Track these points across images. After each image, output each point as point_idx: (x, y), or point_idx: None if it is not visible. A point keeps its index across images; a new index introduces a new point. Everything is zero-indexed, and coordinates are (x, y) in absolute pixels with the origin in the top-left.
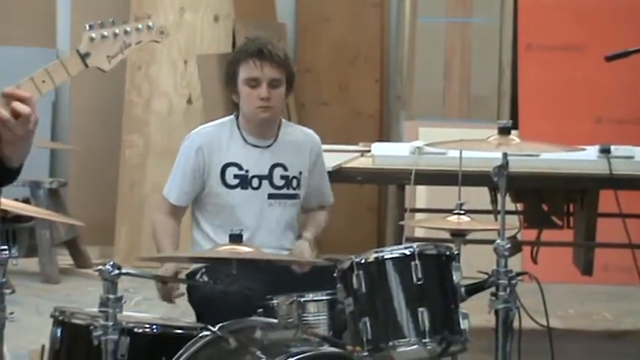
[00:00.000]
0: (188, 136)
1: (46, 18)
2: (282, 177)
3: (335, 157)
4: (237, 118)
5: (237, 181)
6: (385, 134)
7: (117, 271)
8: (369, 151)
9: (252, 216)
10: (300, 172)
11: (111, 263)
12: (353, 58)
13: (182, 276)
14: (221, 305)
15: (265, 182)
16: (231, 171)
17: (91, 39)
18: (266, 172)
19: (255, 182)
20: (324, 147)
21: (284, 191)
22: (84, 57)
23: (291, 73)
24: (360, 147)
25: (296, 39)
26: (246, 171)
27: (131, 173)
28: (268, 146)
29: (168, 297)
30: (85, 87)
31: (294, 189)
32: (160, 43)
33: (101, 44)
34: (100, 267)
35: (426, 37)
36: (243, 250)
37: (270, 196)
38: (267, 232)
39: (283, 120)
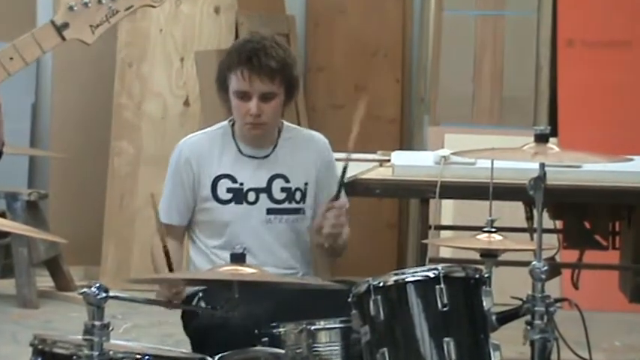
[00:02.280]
0: (176, 146)
1: (27, 12)
2: (282, 189)
3: (350, 166)
4: (232, 124)
5: (230, 195)
6: (407, 141)
7: (104, 295)
8: (389, 160)
9: (249, 234)
10: (306, 184)
11: (97, 285)
12: (371, 55)
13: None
14: (221, 333)
15: (263, 196)
16: (224, 184)
17: (70, 8)
18: (264, 185)
19: (251, 196)
20: (338, 155)
21: (285, 205)
22: (60, 29)
23: (291, 79)
24: (378, 156)
25: (306, 33)
26: (241, 184)
27: (120, 184)
28: (265, 157)
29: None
30: (68, 87)
31: (297, 202)
32: (156, 7)
33: (82, 13)
34: (84, 289)
35: (454, 32)
36: (246, 271)
37: (270, 211)
38: (268, 251)
39: (285, 123)
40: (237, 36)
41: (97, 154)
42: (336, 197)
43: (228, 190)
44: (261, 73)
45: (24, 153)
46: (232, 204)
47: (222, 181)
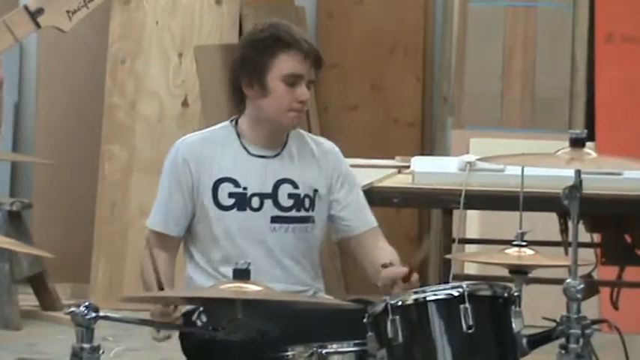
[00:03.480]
0: (172, 148)
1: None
2: (290, 195)
3: (366, 173)
4: (235, 123)
5: (232, 201)
6: (428, 146)
7: (93, 315)
8: (409, 166)
9: (253, 244)
10: (315, 190)
11: (86, 304)
12: (389, 51)
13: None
14: (223, 357)
15: (268, 202)
16: (226, 188)
17: None
18: (269, 190)
19: (255, 202)
20: (352, 161)
21: (292, 213)
22: (34, 15)
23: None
24: (396, 162)
25: (318, 26)
26: (244, 188)
27: (112, 192)
28: (275, 155)
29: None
30: (55, 84)
31: (306, 210)
32: None
33: None
34: (72, 309)
35: (480, 25)
36: (250, 288)
37: (274, 220)
38: (273, 265)
39: None
40: (241, 29)
41: (86, 160)
42: (407, 279)
43: (231, 195)
44: (315, 57)
45: (5, 158)
46: (234, 210)
47: (223, 185)
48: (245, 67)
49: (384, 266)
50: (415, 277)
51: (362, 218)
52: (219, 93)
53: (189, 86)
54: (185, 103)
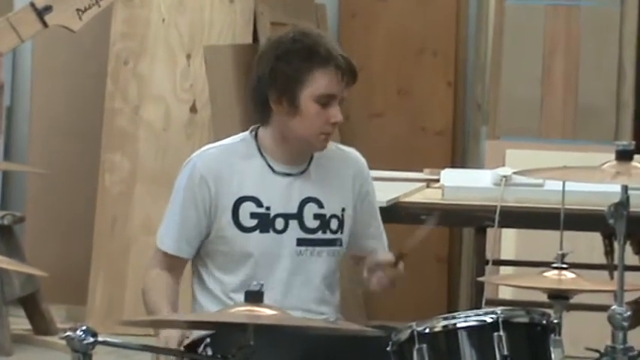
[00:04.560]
0: (188, 161)
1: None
2: (316, 216)
3: (390, 187)
4: (255, 135)
5: (254, 222)
6: (460, 157)
7: (91, 339)
8: (438, 180)
9: (276, 269)
10: (343, 209)
11: (83, 328)
12: (417, 53)
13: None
14: None
15: (293, 223)
16: (247, 208)
17: None
18: (294, 210)
19: (279, 223)
20: (376, 174)
21: (319, 235)
22: (42, 12)
23: None
24: (425, 174)
25: (340, 26)
26: (267, 208)
27: (112, 206)
28: (301, 173)
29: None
30: (51, 87)
31: (333, 232)
32: None
33: None
34: (67, 333)
35: (518, 26)
36: (264, 312)
37: (300, 242)
38: (298, 291)
39: None
40: (255, 28)
41: (85, 170)
42: (395, 264)
43: (253, 216)
44: (350, 74)
45: None
46: (257, 232)
47: (245, 204)
48: (275, 81)
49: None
50: (401, 265)
51: (374, 243)
52: (231, 98)
53: (197, 90)
54: (193, 109)
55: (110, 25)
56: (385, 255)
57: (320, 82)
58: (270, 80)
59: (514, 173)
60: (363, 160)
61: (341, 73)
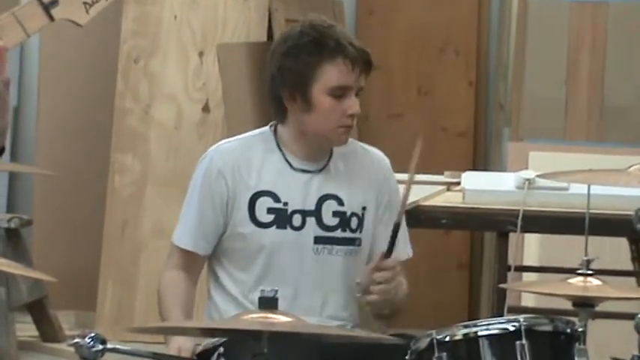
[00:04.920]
0: (204, 156)
1: None
2: (335, 214)
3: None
4: (274, 130)
5: (271, 217)
6: (482, 159)
7: (100, 347)
8: (459, 183)
9: (293, 267)
10: (364, 208)
11: (92, 335)
12: (438, 52)
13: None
14: None
15: (311, 220)
16: (264, 203)
17: None
18: (312, 207)
19: (296, 220)
20: (395, 176)
21: (337, 234)
22: (48, 6)
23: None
24: (445, 177)
25: (357, 23)
26: (285, 204)
27: (123, 208)
28: (320, 170)
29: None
30: (59, 86)
31: (352, 231)
32: None
33: None
34: (76, 340)
35: (542, 23)
36: (278, 319)
37: (318, 240)
38: (313, 292)
39: None
40: (270, 25)
41: (94, 171)
42: (387, 254)
43: (270, 211)
44: (363, 63)
45: (3, 169)
46: (273, 228)
47: (262, 199)
48: (285, 79)
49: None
50: (393, 259)
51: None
52: (245, 97)
53: (210, 89)
54: (206, 109)
55: (120, 23)
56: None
57: (330, 74)
58: (280, 78)
59: (537, 176)
60: (385, 158)
61: (351, 63)
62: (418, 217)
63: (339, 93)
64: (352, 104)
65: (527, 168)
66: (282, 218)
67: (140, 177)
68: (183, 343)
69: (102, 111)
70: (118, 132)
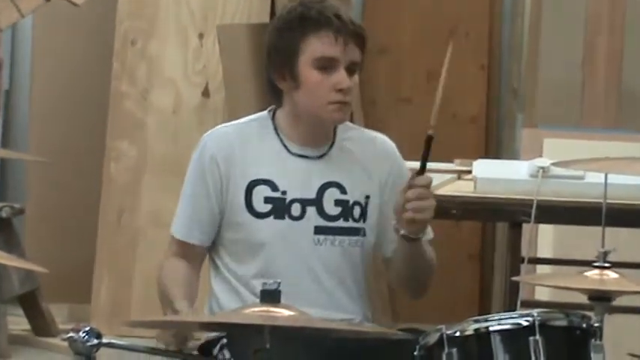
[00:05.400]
0: (200, 141)
1: None
2: (337, 202)
3: None
4: (272, 115)
5: (269, 207)
6: (493, 147)
7: (95, 341)
8: (470, 171)
9: (292, 259)
10: (367, 197)
11: (86, 329)
12: (448, 34)
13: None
14: None
15: (311, 210)
16: (261, 192)
17: None
18: (313, 195)
19: (295, 209)
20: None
21: (339, 223)
22: None
23: (364, 54)
24: (455, 165)
25: (364, 5)
26: (283, 192)
27: (119, 197)
28: (319, 157)
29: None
30: (52, 69)
31: (355, 221)
32: None
33: None
34: (70, 334)
35: (558, 3)
36: (281, 313)
37: (319, 230)
38: (315, 284)
39: None
40: (273, 6)
41: (89, 158)
42: (420, 171)
43: (267, 200)
44: (351, 34)
45: None
46: (271, 218)
47: (258, 187)
48: (272, 57)
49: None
50: (428, 176)
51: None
52: (246, 81)
53: (210, 73)
54: (206, 93)
55: (116, 3)
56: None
57: (314, 46)
58: (269, 58)
59: (552, 164)
60: (392, 144)
61: (335, 34)
62: None
63: (325, 65)
64: (341, 78)
65: (541, 156)
66: (280, 208)
67: (137, 164)
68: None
69: (97, 95)
70: (114, 117)
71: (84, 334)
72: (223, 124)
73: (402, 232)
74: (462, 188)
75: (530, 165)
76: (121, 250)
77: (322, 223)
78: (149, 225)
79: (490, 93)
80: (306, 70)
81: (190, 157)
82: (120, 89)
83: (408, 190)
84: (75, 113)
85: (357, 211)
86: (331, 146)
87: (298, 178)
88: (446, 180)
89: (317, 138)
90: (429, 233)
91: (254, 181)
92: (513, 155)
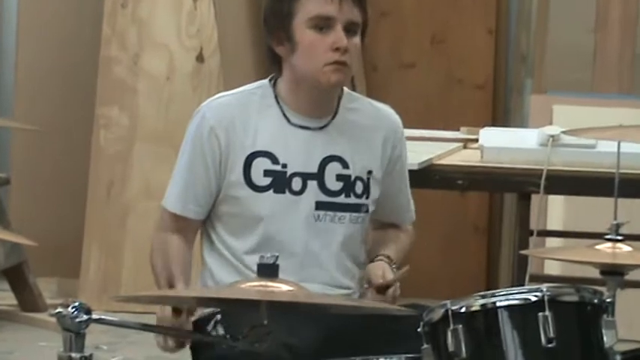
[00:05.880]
0: (197, 111)
1: None
2: (338, 177)
3: (423, 148)
4: (274, 84)
5: (268, 181)
6: (501, 114)
7: (84, 317)
8: (476, 140)
9: (291, 235)
10: (370, 172)
11: (75, 304)
12: None
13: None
14: None
15: (312, 184)
16: (261, 164)
17: None
18: (314, 169)
19: (296, 183)
20: (406, 133)
21: (341, 199)
22: None
23: (366, 16)
24: (461, 134)
25: None
26: (284, 165)
27: (108, 167)
28: (321, 127)
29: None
30: (39, 34)
31: (357, 196)
32: None
33: None
34: (58, 310)
35: None
36: (279, 288)
37: (319, 206)
38: (313, 260)
39: (345, 89)
40: None
41: (77, 126)
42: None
43: (267, 174)
44: None
45: None
46: (270, 192)
47: (258, 160)
48: (269, 22)
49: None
50: (392, 291)
51: (400, 214)
52: (243, 45)
53: (205, 36)
54: (200, 58)
55: None
56: (375, 274)
57: (308, 6)
58: (266, 23)
59: (563, 133)
60: (397, 118)
61: None
62: (432, 177)
63: (320, 24)
64: (338, 37)
65: (551, 123)
66: (280, 182)
67: (128, 133)
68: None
69: (86, 60)
70: (103, 83)
71: (73, 310)
72: (222, 93)
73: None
74: (468, 157)
75: (540, 133)
76: (111, 223)
77: (323, 198)
78: (140, 197)
79: (498, 58)
80: (301, 31)
81: (184, 125)
82: (110, 54)
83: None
84: (62, 80)
85: (359, 186)
86: (333, 117)
87: (299, 150)
88: (451, 149)
89: (319, 107)
90: (412, 215)
91: (253, 153)
92: (522, 123)
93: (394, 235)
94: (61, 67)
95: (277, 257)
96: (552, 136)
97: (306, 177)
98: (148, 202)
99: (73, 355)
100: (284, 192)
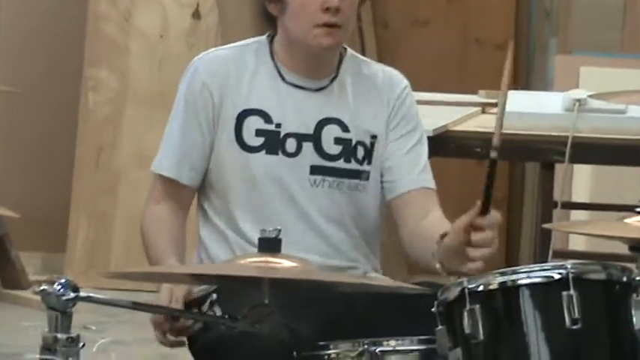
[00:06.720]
0: (190, 66)
1: None
2: (337, 141)
3: (437, 112)
4: (270, 40)
5: (261, 140)
6: (523, 77)
7: (71, 295)
8: (496, 104)
9: (283, 201)
10: (374, 137)
11: (61, 281)
12: None
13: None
14: (244, 355)
15: (307, 146)
16: (253, 123)
17: None
18: (310, 130)
19: (290, 144)
20: (419, 96)
21: (339, 164)
22: None
23: None
24: (480, 97)
25: None
26: (277, 125)
27: (97, 132)
28: (319, 89)
29: (178, 334)
30: None
31: (358, 162)
32: None
33: None
34: (42, 287)
35: None
36: (281, 264)
37: (315, 170)
38: (310, 229)
39: (348, 49)
40: None
41: (64, 88)
42: (484, 209)
43: (259, 133)
44: None
45: None
46: (262, 153)
47: (250, 118)
48: None
49: (443, 237)
50: (496, 215)
51: (410, 173)
52: (242, 1)
53: None
54: (196, 15)
55: None
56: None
57: None
58: None
59: (589, 97)
60: (405, 81)
61: None
62: (447, 145)
63: None
64: None
65: (577, 86)
66: (272, 142)
67: (118, 95)
68: (175, 289)
69: (73, 17)
70: (92, 42)
71: (59, 287)
72: (217, 48)
73: (447, 268)
74: (486, 123)
75: (565, 97)
76: (100, 192)
77: (319, 162)
78: (131, 164)
79: (519, 15)
80: None
81: (178, 87)
82: (99, 11)
83: (472, 232)
84: (48, 39)
85: (360, 151)
86: (333, 80)
87: (294, 109)
88: (468, 114)
89: (315, 68)
90: (431, 182)
91: (245, 110)
92: (545, 86)
93: (439, 216)
94: (46, 26)
95: (280, 231)
96: (578, 100)
97: (301, 138)
98: (139, 170)
99: (59, 335)
100: (277, 153)
